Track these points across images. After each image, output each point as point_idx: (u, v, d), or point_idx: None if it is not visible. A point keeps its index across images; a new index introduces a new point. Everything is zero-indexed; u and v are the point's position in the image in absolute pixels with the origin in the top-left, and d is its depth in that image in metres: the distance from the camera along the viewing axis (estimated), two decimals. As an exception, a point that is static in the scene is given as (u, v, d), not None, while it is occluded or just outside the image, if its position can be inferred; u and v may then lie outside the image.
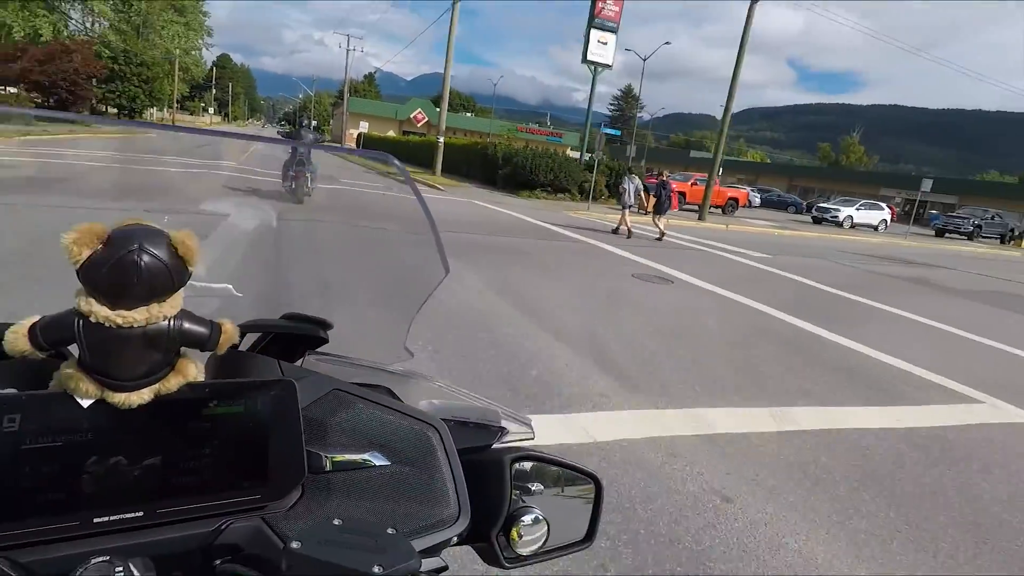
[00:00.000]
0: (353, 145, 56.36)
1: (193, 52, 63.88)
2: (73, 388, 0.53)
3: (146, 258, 0.51)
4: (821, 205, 30.68)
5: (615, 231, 15.02)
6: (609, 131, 35.23)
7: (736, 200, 27.79)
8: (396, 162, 0.87)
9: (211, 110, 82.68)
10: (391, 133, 61.50)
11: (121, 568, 0.45)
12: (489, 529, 0.71)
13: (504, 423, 0.85)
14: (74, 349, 0.54)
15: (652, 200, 15.43)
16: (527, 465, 0.75)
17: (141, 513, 0.54)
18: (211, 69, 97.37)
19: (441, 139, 27.24)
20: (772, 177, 66.76)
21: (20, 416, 0.51)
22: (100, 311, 0.51)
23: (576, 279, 8.39)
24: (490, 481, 0.72)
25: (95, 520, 0.52)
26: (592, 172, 22.60)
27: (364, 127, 42.80)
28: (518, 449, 0.76)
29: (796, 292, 9.48)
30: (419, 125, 73.21)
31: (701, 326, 6.57)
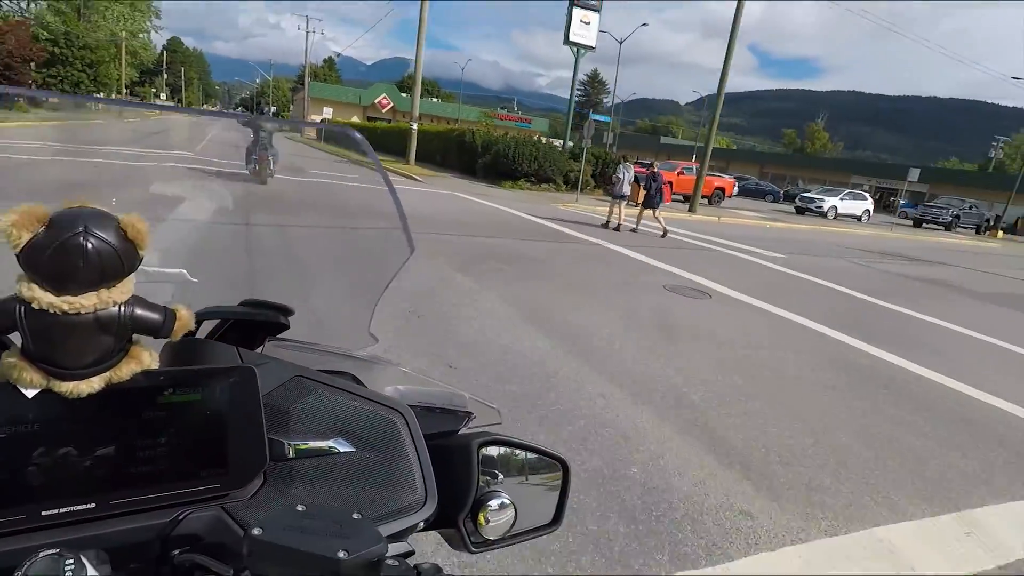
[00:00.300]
0: (313, 134, 53.63)
1: (141, 35, 60.08)
2: (16, 378, 0.51)
3: (93, 241, 0.49)
4: (804, 195, 30.04)
5: (606, 224, 14.04)
6: (599, 117, 33.95)
7: (723, 190, 26.89)
8: (357, 135, 0.86)
9: (163, 96, 78.06)
10: (355, 119, 59.09)
11: (72, 561, 0.43)
12: (456, 514, 0.70)
13: (471, 408, 0.84)
14: (15, 338, 0.52)
15: (642, 193, 14.42)
16: (494, 450, 0.74)
17: (93, 505, 0.53)
18: (161, 53, 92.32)
19: (414, 125, 25.18)
20: (742, 164, 66.80)
21: None
22: (44, 297, 0.49)
23: (607, 295, 7.13)
24: (457, 466, 0.71)
25: (43, 513, 0.51)
26: (577, 161, 21.44)
27: (328, 113, 40.41)
28: (485, 434, 0.75)
29: (837, 303, 8.46)
30: (384, 111, 70.72)
31: (779, 362, 5.41)
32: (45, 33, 41.79)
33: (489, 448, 0.74)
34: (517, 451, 0.77)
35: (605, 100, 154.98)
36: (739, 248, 13.20)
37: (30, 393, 0.52)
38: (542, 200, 18.33)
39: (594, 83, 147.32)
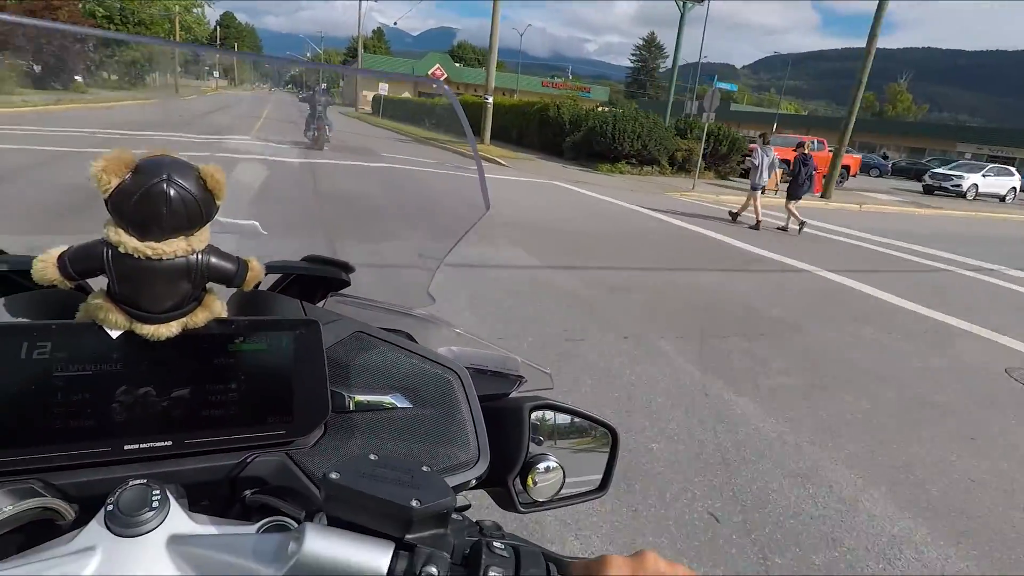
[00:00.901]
0: (369, 108, 52.12)
1: (195, 9, 58.88)
2: (102, 319, 0.53)
3: (175, 189, 0.50)
4: (937, 171, 25.58)
5: (733, 218, 11.47)
6: (724, 86, 30.25)
7: (848, 168, 22.78)
8: (443, 85, 0.86)
9: (216, 73, 77.90)
10: (406, 95, 56.67)
11: (158, 492, 0.46)
12: (506, 474, 0.72)
13: (523, 372, 0.85)
14: (102, 280, 0.54)
15: (782, 179, 11.83)
16: (545, 414, 0.76)
17: (170, 443, 0.55)
18: (214, 29, 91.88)
19: (489, 99, 21.19)
20: (821, 132, 61.15)
21: (50, 345, 0.52)
22: (129, 242, 0.50)
23: (970, 422, 3.88)
24: (508, 428, 0.73)
25: (125, 447, 0.53)
26: (684, 138, 18.35)
27: (384, 90, 37.85)
28: (536, 398, 0.76)
29: None
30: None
31: None
32: (101, 10, 40.66)
33: (539, 412, 0.75)
34: (567, 416, 0.78)
35: (663, 65, 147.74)
36: (941, 257, 10.04)
37: (114, 334, 0.54)
38: (651, 187, 15.35)
39: (651, 47, 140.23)
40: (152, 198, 0.49)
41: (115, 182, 0.49)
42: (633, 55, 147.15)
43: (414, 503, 0.43)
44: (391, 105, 50.26)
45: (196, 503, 0.53)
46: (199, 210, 0.52)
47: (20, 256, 0.63)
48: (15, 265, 0.63)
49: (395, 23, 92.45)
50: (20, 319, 0.57)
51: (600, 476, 0.80)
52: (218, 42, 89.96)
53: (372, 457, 0.47)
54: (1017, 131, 45.27)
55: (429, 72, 66.51)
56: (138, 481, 0.46)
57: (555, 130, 20.17)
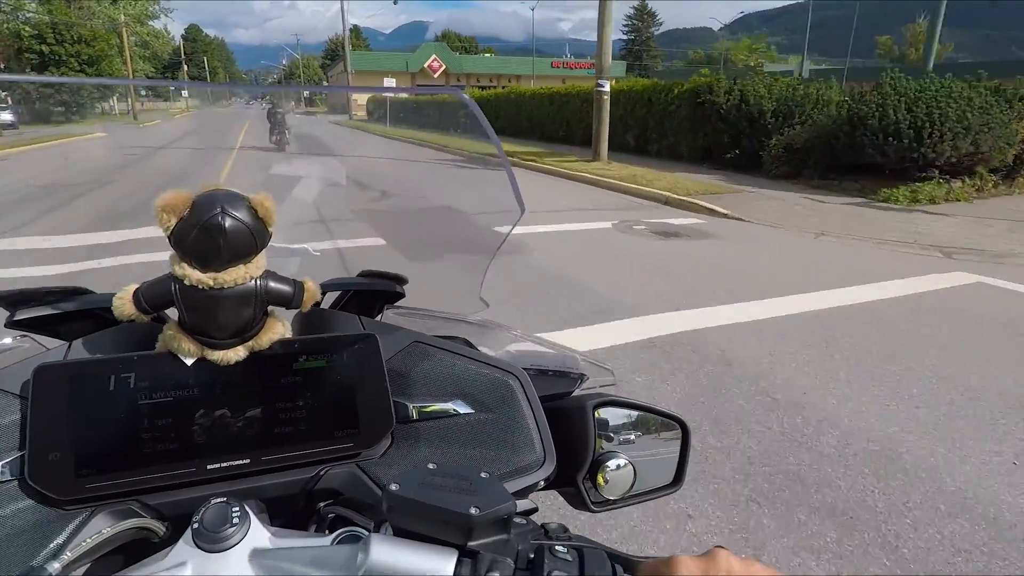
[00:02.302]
0: (364, 115, 44.84)
1: (152, 22, 51.37)
2: (176, 348, 0.58)
3: (229, 221, 0.53)
4: None
5: None
6: None
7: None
8: (465, 98, 0.84)
9: (185, 92, 70.14)
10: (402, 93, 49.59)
11: (237, 508, 0.48)
12: (575, 474, 0.71)
13: (584, 370, 0.84)
14: (173, 312, 0.59)
15: None
16: (610, 411, 0.75)
17: (247, 460, 0.58)
18: (178, 44, 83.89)
19: (606, 85, 12.52)
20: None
21: (135, 375, 0.56)
22: (193, 274, 0.54)
23: None
24: (573, 427, 0.72)
25: (208, 467, 0.57)
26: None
27: (391, 83, 30.65)
28: (600, 395, 0.76)
29: None
30: (436, 75, 60.69)
31: None
32: (27, 28, 33.27)
33: (604, 409, 0.74)
34: (634, 411, 0.76)
35: (656, 32, 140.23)
36: None
37: (189, 361, 0.58)
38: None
39: (644, 15, 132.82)
40: (210, 231, 0.53)
41: (175, 220, 0.53)
42: (625, 25, 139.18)
43: (473, 510, 0.43)
44: (397, 108, 42.30)
45: (275, 517, 0.56)
46: (253, 239, 0.55)
47: (103, 294, 0.67)
48: (99, 303, 0.67)
49: (364, 26, 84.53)
50: (106, 353, 0.61)
51: (672, 470, 0.78)
52: (183, 56, 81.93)
53: (431, 466, 0.48)
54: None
55: (425, 64, 58.82)
56: (219, 499, 0.48)
57: (724, 126, 11.77)
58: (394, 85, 30.31)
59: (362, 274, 0.85)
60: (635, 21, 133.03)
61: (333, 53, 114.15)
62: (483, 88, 36.58)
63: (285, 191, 1.00)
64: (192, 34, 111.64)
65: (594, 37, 12.61)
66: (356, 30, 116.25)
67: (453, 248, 1.19)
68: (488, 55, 66.21)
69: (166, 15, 53.50)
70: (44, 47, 33.05)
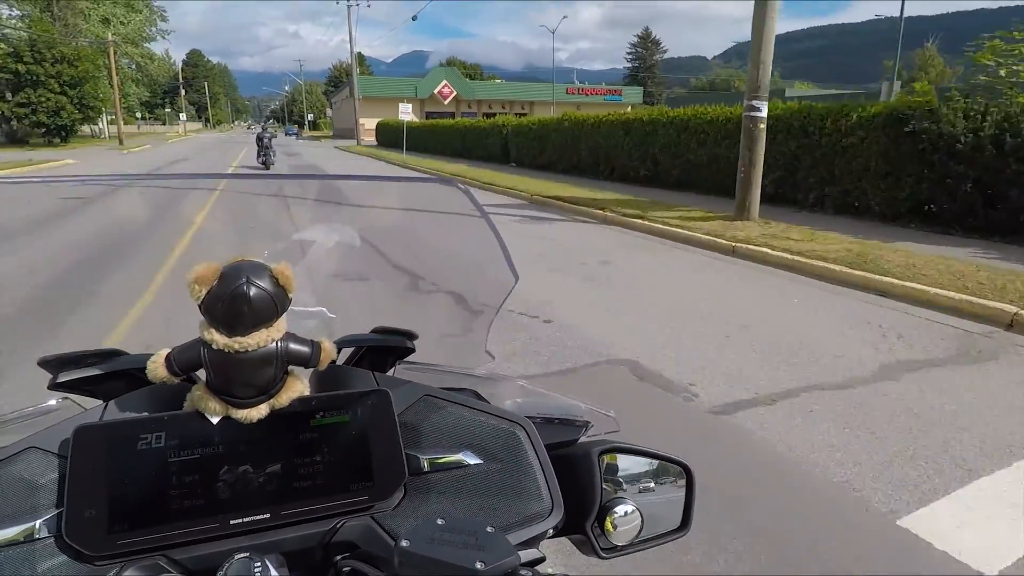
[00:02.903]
0: (372, 140, 41.65)
1: (144, 44, 48.58)
2: (203, 407, 0.61)
3: (254, 290, 0.57)
4: None
5: None
6: None
7: None
8: (460, 187, 0.91)
9: (182, 116, 66.39)
10: (411, 117, 46.54)
11: (259, 564, 0.51)
12: (583, 521, 0.72)
13: (588, 417, 0.86)
14: (201, 374, 0.62)
15: None
16: (615, 457, 0.76)
17: (268, 515, 0.61)
18: (179, 69, 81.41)
19: (762, 110, 8.23)
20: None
21: (165, 434, 0.59)
22: (220, 339, 0.58)
23: None
24: (580, 474, 0.74)
25: (231, 522, 0.59)
26: None
27: (406, 111, 26.75)
28: (604, 442, 0.77)
29: None
30: (446, 102, 57.87)
31: None
32: (2, 46, 30.09)
33: (609, 455, 0.75)
34: (638, 457, 0.78)
35: (661, 59, 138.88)
36: None
37: (214, 420, 0.61)
38: None
39: (648, 43, 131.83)
40: (236, 300, 0.57)
41: (205, 291, 0.57)
42: (629, 53, 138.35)
43: (479, 565, 0.45)
44: (390, 133, 39.50)
45: (294, 570, 0.57)
46: (274, 305, 0.59)
47: (137, 355, 0.70)
48: (133, 364, 0.69)
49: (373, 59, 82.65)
50: (139, 413, 0.64)
51: (679, 514, 0.79)
52: (181, 80, 79.34)
53: (440, 521, 0.50)
54: None
55: (436, 90, 55.99)
56: (242, 555, 0.51)
57: (960, 168, 7.52)
58: (409, 109, 26.97)
59: (375, 330, 0.87)
60: (639, 48, 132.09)
61: (336, 80, 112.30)
62: (492, 115, 33.49)
63: (304, 254, 1.06)
64: (193, 59, 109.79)
65: (587, 67, 10.05)
66: (360, 57, 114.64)
67: (459, 307, 1.19)
68: (497, 82, 63.48)
69: (163, 37, 50.68)
70: (20, 66, 29.81)
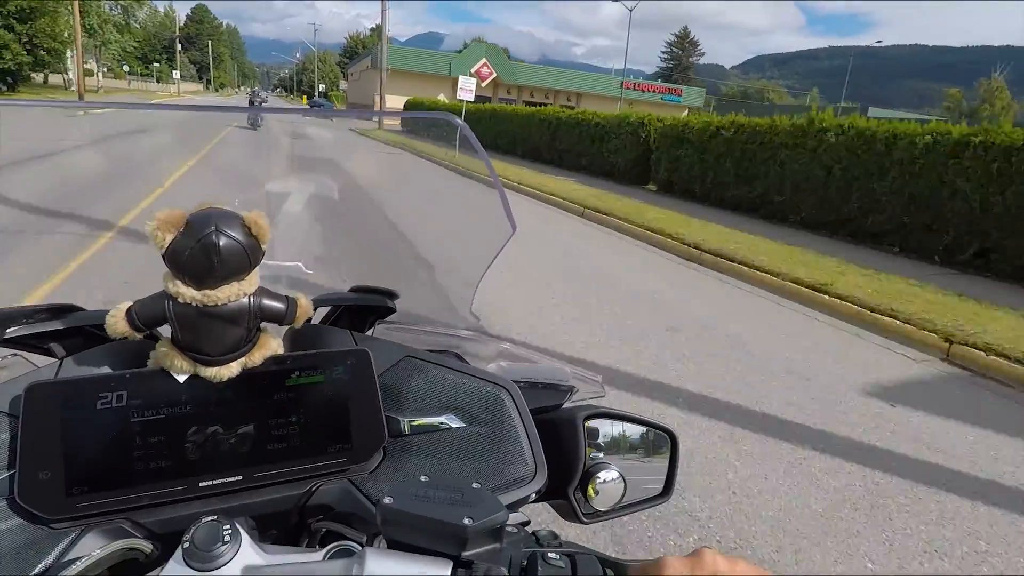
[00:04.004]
0: (397, 125, 34.61)
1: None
2: (169, 365, 0.57)
3: (223, 239, 0.53)
4: None
5: None
6: None
7: None
8: (457, 121, 0.84)
9: (176, 74, 58.00)
10: (441, 97, 39.14)
11: (228, 526, 0.48)
12: (566, 486, 0.72)
13: (573, 382, 0.85)
14: (166, 330, 0.58)
15: None
16: (600, 422, 0.75)
17: (240, 477, 0.58)
18: (172, 21, 73.04)
19: None
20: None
21: (127, 393, 0.56)
22: (187, 292, 0.54)
23: None
24: (564, 439, 0.73)
25: (200, 484, 0.57)
26: None
27: (468, 88, 18.94)
28: (589, 407, 0.76)
29: None
30: (484, 84, 50.43)
31: None
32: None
33: (594, 420, 0.74)
34: (623, 423, 0.77)
35: (697, 61, 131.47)
36: None
37: (181, 378, 0.58)
38: None
39: (684, 43, 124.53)
40: (204, 250, 0.53)
41: (169, 238, 0.52)
42: (664, 52, 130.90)
43: (466, 521, 0.44)
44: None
45: (267, 533, 0.57)
46: (246, 257, 0.55)
47: (94, 311, 0.68)
48: (90, 320, 0.67)
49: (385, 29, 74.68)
50: (98, 370, 0.61)
51: (662, 480, 0.78)
52: (177, 33, 70.98)
53: (423, 479, 0.48)
54: None
55: (473, 69, 48.58)
56: (210, 517, 0.48)
57: None
58: (472, 87, 19.67)
59: (354, 289, 0.85)
60: (674, 48, 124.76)
61: (352, 51, 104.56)
62: (536, 104, 26.35)
63: (278, 206, 0.97)
64: (199, 15, 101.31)
65: (604, 64, 4.06)
66: (379, 29, 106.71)
67: (446, 262, 1.16)
68: (541, 66, 55.76)
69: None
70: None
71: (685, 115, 13.39)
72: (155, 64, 71.27)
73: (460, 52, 45.34)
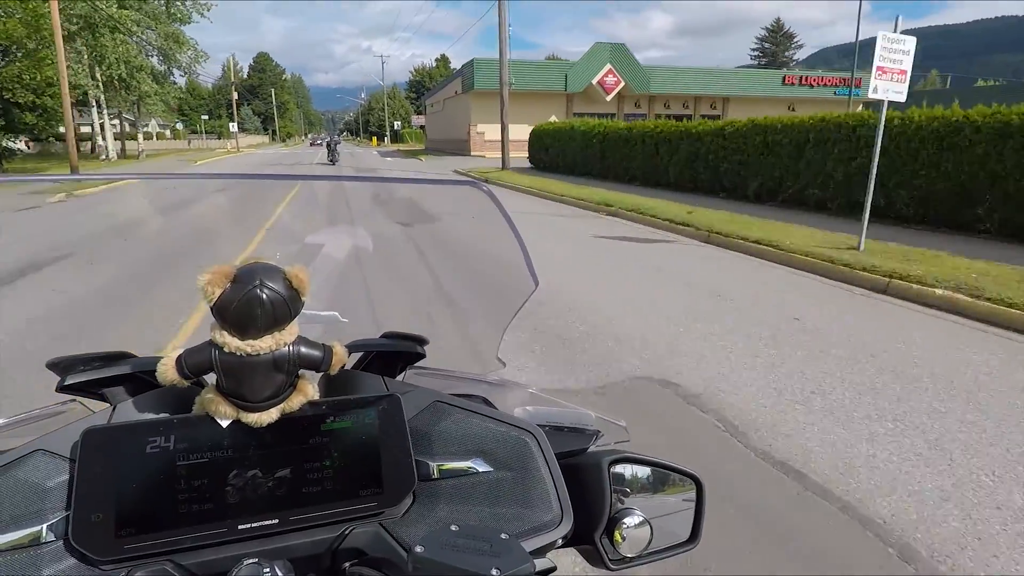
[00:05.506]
0: (524, 157, 23.91)
1: (173, 22, 33.11)
2: (213, 411, 0.60)
3: (267, 292, 0.56)
4: None
5: None
6: None
7: None
8: (484, 187, 0.89)
9: (233, 126, 50.81)
10: (553, 119, 28.38)
11: (268, 569, 0.50)
12: (592, 531, 0.71)
13: (598, 426, 0.85)
14: (211, 377, 0.61)
15: None
16: (625, 467, 0.74)
17: (276, 520, 0.59)
18: (228, 70, 66.38)
19: None
20: None
21: (174, 437, 0.58)
22: (232, 342, 0.57)
23: None
24: (589, 484, 0.72)
25: (239, 527, 0.58)
26: None
27: None
28: (615, 452, 0.75)
29: None
30: (608, 98, 39.77)
31: None
32: None
33: (619, 465, 0.74)
34: (649, 468, 0.76)
35: (794, 56, 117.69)
36: None
37: (224, 423, 0.60)
38: None
39: (778, 36, 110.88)
40: (248, 303, 0.55)
41: (218, 292, 0.55)
42: (754, 48, 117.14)
43: (495, 572, 0.44)
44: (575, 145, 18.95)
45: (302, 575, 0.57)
46: (287, 308, 0.58)
47: (146, 358, 0.70)
48: (142, 367, 0.69)
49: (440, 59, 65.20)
50: (148, 415, 0.64)
51: (688, 526, 0.76)
52: (234, 80, 64.28)
53: (453, 528, 0.49)
54: None
55: (595, 80, 37.85)
56: (251, 560, 0.50)
57: None
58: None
59: (385, 335, 0.87)
60: (766, 44, 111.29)
61: (419, 85, 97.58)
62: (678, 118, 16.14)
63: (316, 257, 1.01)
64: (261, 63, 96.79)
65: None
66: (444, 59, 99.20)
67: (473, 311, 1.17)
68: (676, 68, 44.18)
69: (202, 14, 34.78)
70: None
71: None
72: (204, 118, 64.97)
73: (579, 60, 34.53)
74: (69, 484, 0.56)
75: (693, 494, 0.77)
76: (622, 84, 34.29)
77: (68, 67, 24.08)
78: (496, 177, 19.44)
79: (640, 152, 15.90)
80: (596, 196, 13.04)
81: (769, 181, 11.43)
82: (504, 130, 21.80)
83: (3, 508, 0.54)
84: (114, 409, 0.64)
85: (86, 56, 27.01)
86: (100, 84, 28.71)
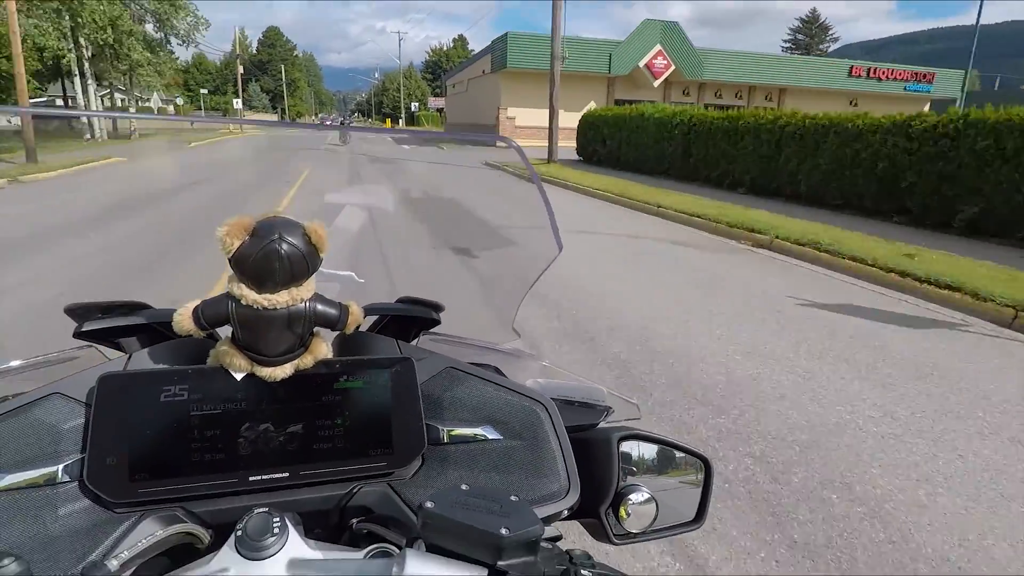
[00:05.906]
0: (572, 148, 20.49)
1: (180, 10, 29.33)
2: (228, 363, 0.60)
3: (286, 246, 0.56)
4: None
5: None
6: None
7: None
8: (513, 143, 0.86)
9: (237, 102, 47.22)
10: (592, 105, 24.57)
11: (278, 519, 0.50)
12: (597, 506, 0.71)
13: (610, 403, 0.85)
14: (227, 329, 0.61)
15: None
16: (634, 444, 0.75)
17: (287, 474, 0.61)
18: (235, 43, 62.27)
19: None
20: None
21: (188, 387, 0.59)
22: (249, 295, 0.57)
23: None
24: (597, 459, 0.73)
25: (250, 478, 0.59)
26: None
27: None
28: (625, 428, 0.75)
29: None
30: (656, 83, 35.74)
31: None
32: None
33: (628, 442, 0.74)
34: (658, 446, 0.76)
35: (828, 49, 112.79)
36: None
37: (239, 376, 0.60)
38: None
39: (812, 27, 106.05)
40: (267, 256, 0.56)
41: (236, 244, 0.55)
42: (786, 39, 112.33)
43: (504, 531, 0.44)
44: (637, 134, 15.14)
45: (310, 530, 0.57)
46: (305, 264, 0.58)
47: (163, 309, 0.70)
48: (159, 317, 0.70)
49: (458, 39, 61.23)
50: (163, 365, 0.65)
51: (694, 506, 0.77)
52: (238, 54, 60.21)
53: (464, 487, 0.49)
54: None
55: (643, 63, 33.31)
56: (261, 509, 0.51)
57: None
58: None
59: (401, 300, 0.86)
60: (799, 35, 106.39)
61: (435, 66, 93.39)
62: (726, 108, 12.86)
63: (335, 216, 0.96)
64: (271, 38, 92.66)
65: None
66: (462, 39, 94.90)
67: (491, 278, 1.13)
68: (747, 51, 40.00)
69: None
70: None
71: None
72: (204, 92, 61.10)
73: (619, 46, 30.57)
74: (84, 427, 0.57)
75: (701, 475, 0.76)
76: (672, 68, 30.38)
77: (36, 26, 20.28)
78: (545, 172, 15.86)
79: (752, 150, 12.18)
80: (714, 211, 9.32)
81: (1002, 206, 7.66)
82: (554, 116, 18.11)
83: (20, 448, 0.55)
84: (129, 357, 0.65)
85: (67, 18, 23.29)
86: (87, 49, 25.02)
